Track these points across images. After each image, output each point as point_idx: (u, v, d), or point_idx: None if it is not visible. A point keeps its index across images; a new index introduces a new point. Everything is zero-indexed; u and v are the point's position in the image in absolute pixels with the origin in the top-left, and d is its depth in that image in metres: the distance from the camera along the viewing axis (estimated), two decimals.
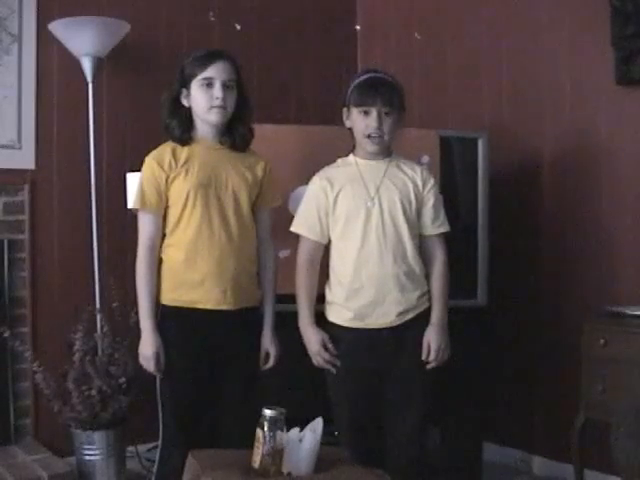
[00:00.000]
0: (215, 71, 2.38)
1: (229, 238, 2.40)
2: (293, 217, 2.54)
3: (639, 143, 3.06)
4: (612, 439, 2.22)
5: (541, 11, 3.38)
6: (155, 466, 2.47)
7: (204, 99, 2.38)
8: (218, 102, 2.38)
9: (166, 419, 2.41)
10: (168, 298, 2.40)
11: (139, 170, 3.06)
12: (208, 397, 2.42)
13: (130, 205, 3.11)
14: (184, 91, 2.41)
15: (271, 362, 2.51)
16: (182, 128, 2.41)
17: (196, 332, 2.38)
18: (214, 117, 2.40)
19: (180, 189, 2.38)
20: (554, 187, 3.37)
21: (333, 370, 2.44)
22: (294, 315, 2.49)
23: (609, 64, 3.05)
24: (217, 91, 2.38)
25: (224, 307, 2.39)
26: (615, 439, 2.21)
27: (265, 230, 2.53)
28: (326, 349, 2.42)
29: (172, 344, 2.38)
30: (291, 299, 2.50)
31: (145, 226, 2.41)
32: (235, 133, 2.46)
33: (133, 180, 3.11)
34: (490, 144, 3.17)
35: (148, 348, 2.36)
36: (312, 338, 2.44)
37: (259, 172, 2.49)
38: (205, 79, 2.38)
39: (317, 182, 2.49)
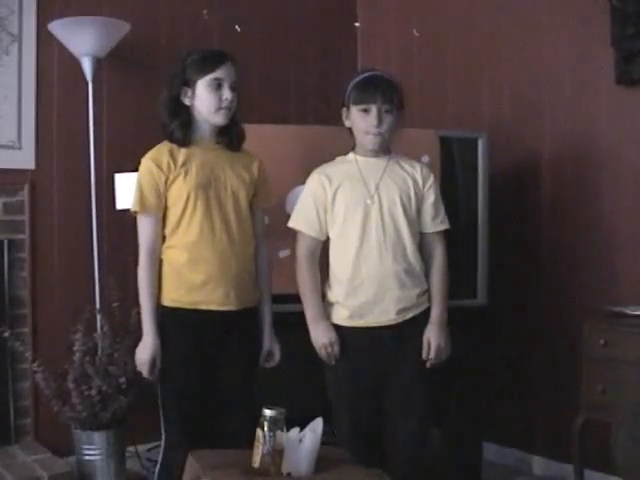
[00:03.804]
0: (224, 72, 2.37)
1: (230, 238, 2.40)
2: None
3: (639, 143, 3.06)
4: (612, 439, 2.22)
5: (541, 11, 3.38)
6: (157, 467, 2.46)
7: (212, 100, 2.37)
8: (226, 104, 2.37)
9: (168, 420, 2.41)
10: (169, 299, 2.39)
11: (126, 170, 3.07)
12: (209, 397, 2.42)
13: (121, 206, 3.12)
14: (186, 90, 2.39)
15: (276, 359, 2.52)
16: (184, 131, 2.39)
17: (197, 333, 2.37)
18: (220, 118, 2.40)
19: (180, 190, 2.37)
20: (554, 187, 3.37)
21: (333, 362, 2.44)
22: (294, 315, 2.49)
23: (609, 64, 3.05)
24: (227, 92, 2.37)
25: (227, 308, 2.39)
26: (615, 439, 2.21)
27: (260, 229, 2.53)
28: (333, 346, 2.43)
29: (173, 345, 2.37)
30: (291, 299, 2.50)
31: (145, 229, 2.40)
32: (232, 133, 2.46)
33: (122, 181, 3.12)
34: (490, 144, 3.17)
35: (145, 352, 2.36)
36: (321, 331, 2.42)
37: (255, 171, 2.49)
38: (215, 79, 2.36)
39: (315, 178, 2.49)
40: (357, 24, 4.14)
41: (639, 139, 3.05)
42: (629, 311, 2.77)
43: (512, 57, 3.50)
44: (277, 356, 2.53)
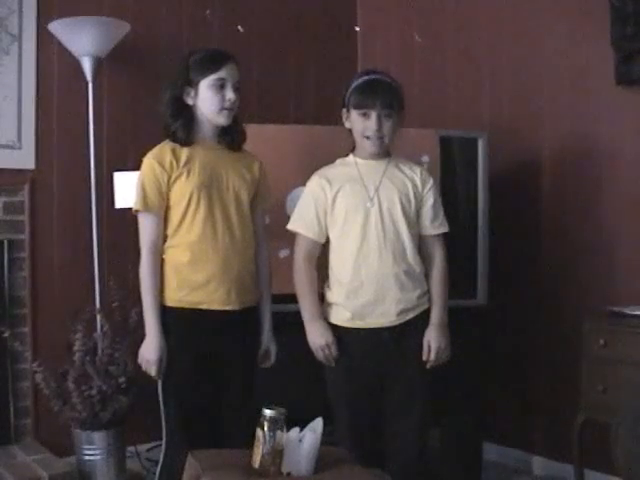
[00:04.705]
0: (227, 72, 2.37)
1: (232, 238, 2.40)
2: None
3: (639, 143, 3.06)
4: (612, 439, 2.22)
5: (541, 11, 3.38)
6: (158, 467, 2.46)
7: (215, 100, 2.37)
8: (229, 104, 2.37)
9: (169, 420, 2.40)
10: (171, 299, 2.38)
11: (126, 170, 3.07)
12: (209, 397, 2.42)
13: (120, 205, 3.12)
14: (189, 90, 2.39)
15: (272, 360, 2.53)
16: (187, 130, 2.39)
17: (199, 333, 2.37)
18: (224, 119, 2.40)
19: (183, 190, 2.36)
20: (554, 187, 3.37)
21: (332, 363, 2.43)
22: (294, 315, 2.49)
23: (609, 64, 3.04)
24: (229, 93, 2.37)
25: (229, 307, 2.39)
26: (615, 439, 2.21)
27: (261, 229, 2.53)
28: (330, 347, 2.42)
29: (175, 345, 2.37)
30: (291, 299, 2.50)
31: (147, 228, 2.39)
32: (233, 133, 2.46)
33: (121, 180, 3.12)
34: (490, 144, 3.17)
35: (152, 353, 2.35)
36: (318, 332, 2.42)
37: (256, 172, 2.50)
38: (219, 80, 2.36)
39: (316, 180, 2.49)
40: (357, 28, 4.14)
41: (639, 139, 3.06)
42: (629, 311, 2.77)
43: (512, 57, 3.50)
44: (273, 357, 2.53)
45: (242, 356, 2.45)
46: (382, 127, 2.40)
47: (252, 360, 2.50)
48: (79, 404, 2.97)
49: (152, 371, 2.36)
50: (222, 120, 2.40)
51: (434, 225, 2.49)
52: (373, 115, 2.39)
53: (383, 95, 2.40)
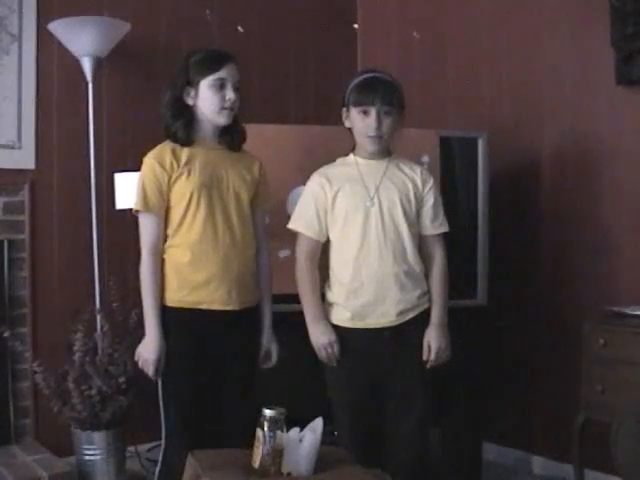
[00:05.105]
0: (227, 72, 2.38)
1: (232, 238, 2.40)
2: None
3: (639, 143, 3.06)
4: (612, 439, 2.22)
5: (541, 11, 3.38)
6: (158, 467, 2.46)
7: (215, 100, 2.37)
8: (229, 104, 2.38)
9: (169, 420, 2.40)
10: (171, 299, 2.38)
11: (127, 170, 3.07)
12: (209, 397, 2.42)
13: (121, 206, 3.12)
14: (189, 90, 2.39)
15: (273, 360, 2.53)
16: (187, 131, 2.39)
17: (199, 332, 2.37)
18: (224, 119, 2.40)
19: (183, 190, 2.36)
20: (554, 187, 3.37)
21: (334, 363, 2.43)
22: (294, 315, 2.49)
23: (609, 64, 3.05)
24: (229, 92, 2.37)
25: (229, 307, 2.39)
26: (615, 439, 2.21)
27: (261, 229, 2.53)
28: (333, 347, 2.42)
29: (175, 345, 2.37)
30: (291, 299, 2.50)
31: (147, 229, 2.39)
32: (233, 133, 2.46)
33: (122, 181, 3.12)
34: (490, 144, 3.17)
35: (152, 352, 2.35)
36: (321, 332, 2.42)
37: (256, 172, 2.50)
38: (218, 79, 2.36)
39: (316, 179, 2.49)
40: (356, 26, 4.14)
41: (639, 139, 3.06)
42: (629, 311, 2.77)
43: (512, 57, 3.50)
44: (274, 357, 2.53)
45: (242, 356, 2.45)
46: (382, 125, 2.39)
47: (252, 360, 2.50)
48: (79, 404, 2.98)
49: (150, 370, 2.37)
50: (222, 120, 2.40)
51: (434, 225, 2.49)
52: (372, 112, 2.39)
53: (383, 92, 2.39)
